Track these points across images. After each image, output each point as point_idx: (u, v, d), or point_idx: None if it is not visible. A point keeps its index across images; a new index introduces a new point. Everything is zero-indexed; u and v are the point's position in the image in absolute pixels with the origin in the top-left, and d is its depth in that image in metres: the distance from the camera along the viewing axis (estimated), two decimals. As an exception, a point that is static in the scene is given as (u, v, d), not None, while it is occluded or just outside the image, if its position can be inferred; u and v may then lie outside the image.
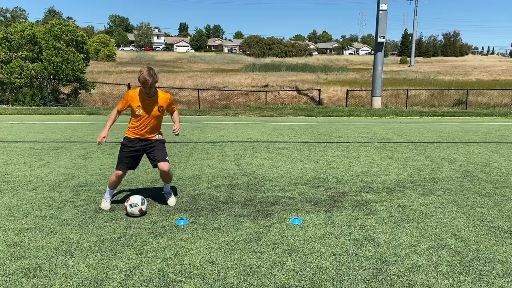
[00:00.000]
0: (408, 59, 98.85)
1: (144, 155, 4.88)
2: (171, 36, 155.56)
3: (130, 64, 71.48)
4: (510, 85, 37.57)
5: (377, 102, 20.62)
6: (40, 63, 19.98)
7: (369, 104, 23.03)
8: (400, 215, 4.70)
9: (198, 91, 23.29)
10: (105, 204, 4.85)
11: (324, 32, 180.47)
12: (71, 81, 21.19)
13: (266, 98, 23.93)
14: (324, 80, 45.07)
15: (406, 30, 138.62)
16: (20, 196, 5.21)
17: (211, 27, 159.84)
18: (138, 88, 4.64)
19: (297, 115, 15.25)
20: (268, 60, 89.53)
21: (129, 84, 21.41)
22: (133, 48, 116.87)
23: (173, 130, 4.88)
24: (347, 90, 23.83)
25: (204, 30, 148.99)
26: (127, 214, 4.59)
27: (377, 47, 20.50)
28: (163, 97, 4.70)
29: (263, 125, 12.18)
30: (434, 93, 29.05)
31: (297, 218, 4.50)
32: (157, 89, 4.72)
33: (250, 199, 5.23)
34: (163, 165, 4.73)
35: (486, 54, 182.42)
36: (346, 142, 9.23)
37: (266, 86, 35.75)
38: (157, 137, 4.86)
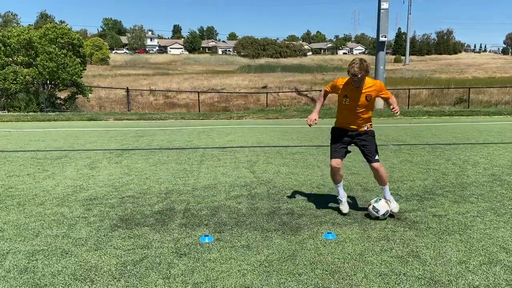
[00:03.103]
0: (403, 57, 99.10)
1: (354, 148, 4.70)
2: (165, 38, 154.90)
3: (124, 67, 71.01)
4: (507, 82, 37.53)
5: (380, 102, 20.33)
6: (35, 68, 19.53)
7: (371, 104, 22.79)
8: (439, 226, 4.38)
9: (198, 94, 22.93)
10: (344, 207, 4.68)
11: (317, 32, 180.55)
12: (68, 86, 20.75)
13: (266, 100, 23.60)
14: (321, 80, 44.86)
15: (399, 29, 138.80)
16: (28, 212, 4.85)
17: (205, 29, 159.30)
18: (347, 78, 4.33)
19: (303, 117, 14.94)
20: (263, 61, 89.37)
21: (127, 88, 21.00)
22: (127, 51, 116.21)
23: (393, 110, 4.45)
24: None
25: (197, 31, 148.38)
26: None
27: (378, 47, 20.24)
28: (371, 85, 4.34)
29: (271, 129, 11.86)
30: (434, 91, 28.87)
31: (330, 233, 4.17)
32: (366, 77, 4.32)
33: (274, 210, 4.90)
34: (374, 166, 4.56)
35: (479, 52, 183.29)
36: (360, 145, 8.91)
37: (264, 87, 35.46)
38: (365, 127, 4.53)
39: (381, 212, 4.52)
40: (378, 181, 4.73)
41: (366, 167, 6.94)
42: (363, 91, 4.34)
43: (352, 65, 4.13)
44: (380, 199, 4.63)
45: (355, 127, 4.54)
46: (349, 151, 4.74)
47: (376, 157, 4.57)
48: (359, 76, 4.14)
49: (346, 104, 4.43)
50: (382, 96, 4.48)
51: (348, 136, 4.58)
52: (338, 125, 4.64)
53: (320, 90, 20.09)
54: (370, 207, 4.59)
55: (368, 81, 4.35)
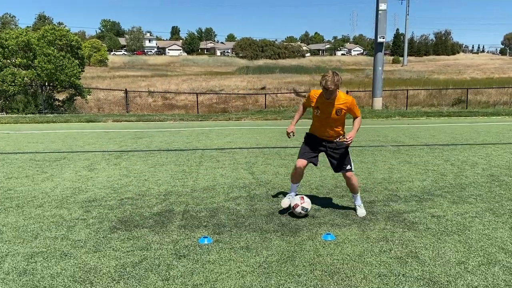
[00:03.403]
0: (401, 58, 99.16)
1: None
2: (163, 39, 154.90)
3: (123, 69, 70.93)
4: (505, 83, 37.59)
5: (378, 103, 20.38)
6: (33, 70, 19.50)
7: (369, 104, 22.81)
8: (438, 226, 4.39)
9: (197, 95, 22.91)
10: (285, 201, 4.74)
11: (316, 33, 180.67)
12: (66, 88, 20.72)
13: (265, 101, 23.61)
14: (319, 81, 44.84)
15: (397, 29, 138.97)
16: (26, 214, 4.84)
17: (203, 30, 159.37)
18: (321, 90, 4.44)
19: (301, 118, 14.93)
20: (261, 62, 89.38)
21: (126, 89, 21.00)
22: (125, 53, 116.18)
23: (346, 138, 4.51)
24: (347, 91, 23.57)
25: (196, 33, 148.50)
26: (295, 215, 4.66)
27: (377, 48, 20.26)
28: (343, 101, 4.43)
29: (269, 130, 11.87)
30: (432, 92, 28.91)
31: (329, 234, 4.17)
32: (340, 92, 4.45)
33: (273, 212, 4.90)
34: (346, 175, 4.68)
35: (477, 52, 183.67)
36: (359, 146, 8.93)
37: (263, 88, 35.47)
38: (336, 140, 4.61)
39: (304, 204, 4.64)
40: (350, 189, 4.84)
41: (364, 168, 6.97)
42: (334, 104, 4.43)
43: (324, 78, 4.24)
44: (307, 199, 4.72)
45: (326, 138, 4.64)
46: (316, 164, 4.82)
47: (348, 167, 4.67)
48: (330, 89, 4.24)
49: (318, 116, 4.55)
50: (352, 113, 4.59)
51: (321, 144, 4.68)
52: (312, 132, 4.75)
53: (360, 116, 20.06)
54: (299, 208, 4.63)
55: (341, 96, 4.46)
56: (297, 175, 4.75)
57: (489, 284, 3.23)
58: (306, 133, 4.81)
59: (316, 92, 4.57)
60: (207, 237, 4.11)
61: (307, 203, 4.66)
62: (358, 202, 4.85)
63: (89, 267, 3.55)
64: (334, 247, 3.91)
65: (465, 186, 5.87)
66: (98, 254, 3.80)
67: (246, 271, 3.48)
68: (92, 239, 4.13)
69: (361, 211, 4.78)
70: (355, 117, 4.64)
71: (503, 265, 3.53)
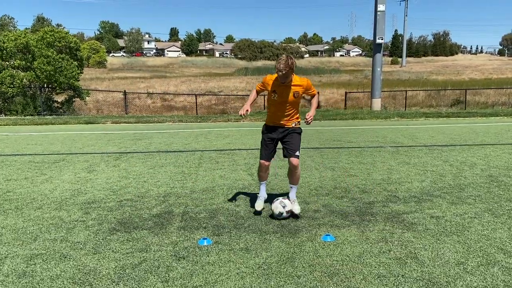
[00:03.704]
0: (399, 59, 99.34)
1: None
2: (162, 41, 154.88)
3: (122, 70, 70.96)
4: (503, 83, 37.67)
5: (377, 104, 20.41)
6: (32, 72, 19.49)
7: (367, 105, 22.84)
8: (437, 227, 4.39)
9: (196, 96, 22.92)
10: (258, 204, 4.83)
11: (314, 34, 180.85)
12: (65, 89, 20.72)
13: (264, 102, 23.60)
14: (318, 82, 44.93)
15: (396, 30, 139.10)
16: (26, 216, 4.84)
17: (202, 32, 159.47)
18: (276, 75, 4.47)
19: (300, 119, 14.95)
20: (260, 63, 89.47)
21: (125, 91, 21.00)
22: (124, 54, 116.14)
23: (306, 119, 4.56)
24: (346, 92, 23.59)
25: (195, 34, 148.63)
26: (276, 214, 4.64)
27: (375, 49, 20.30)
28: (299, 83, 4.51)
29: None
30: (431, 93, 28.95)
31: (328, 235, 4.18)
32: (294, 75, 4.52)
33: (272, 213, 4.89)
34: (292, 160, 4.69)
35: (475, 53, 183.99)
36: (358, 147, 8.94)
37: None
38: (293, 124, 4.67)
39: (282, 210, 4.63)
40: (290, 178, 4.87)
41: (363, 169, 6.98)
42: (291, 87, 4.50)
43: (279, 61, 4.31)
44: (277, 199, 4.72)
45: (283, 123, 4.68)
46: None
47: (297, 153, 4.71)
48: (284, 72, 4.29)
49: (275, 100, 4.58)
50: (309, 93, 4.69)
51: (277, 134, 4.73)
52: (268, 123, 4.80)
53: (318, 93, 20.04)
54: (278, 202, 4.68)
55: (296, 78, 4.55)
56: (264, 174, 4.91)
57: (488, 285, 3.23)
58: (264, 125, 4.84)
59: (271, 76, 4.60)
60: (206, 239, 4.11)
61: (282, 206, 4.65)
62: (293, 196, 4.85)
63: (88, 269, 3.55)
64: (333, 248, 3.91)
65: (464, 187, 5.88)
66: (98, 256, 3.80)
67: (245, 272, 3.48)
68: (92, 241, 4.13)
69: (297, 207, 4.75)
70: (312, 96, 4.74)
71: (502, 265, 3.54)
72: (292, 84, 4.50)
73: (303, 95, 4.65)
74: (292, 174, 4.83)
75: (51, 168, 7.25)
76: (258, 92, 4.84)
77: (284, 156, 4.80)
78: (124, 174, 6.80)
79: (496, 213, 4.81)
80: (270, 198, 5.02)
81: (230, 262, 3.67)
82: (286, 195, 5.57)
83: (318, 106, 23.30)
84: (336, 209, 5.02)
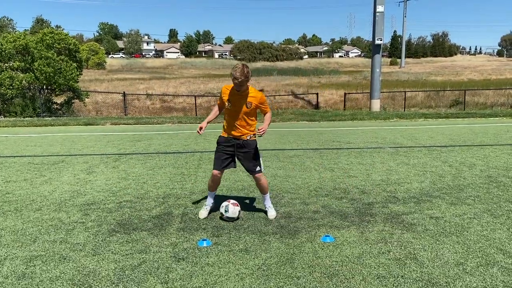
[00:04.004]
0: (398, 60, 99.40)
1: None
2: (161, 42, 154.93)
3: (121, 72, 70.96)
4: (502, 84, 37.73)
5: (376, 105, 20.44)
6: (31, 73, 19.50)
7: (367, 106, 22.87)
8: (436, 228, 4.40)
9: (195, 97, 22.94)
10: (203, 212, 4.83)
11: (313, 35, 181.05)
12: (64, 91, 20.72)
13: (263, 103, 23.62)
14: (317, 83, 44.98)
15: (395, 31, 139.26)
16: (25, 218, 4.84)
17: (201, 33, 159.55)
18: (232, 84, 4.53)
19: (299, 120, 14.97)
20: (259, 64, 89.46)
21: (124, 92, 21.00)
22: (123, 56, 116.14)
23: (258, 130, 4.61)
24: (345, 93, 23.60)
25: (194, 36, 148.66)
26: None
27: (374, 49, 20.34)
28: (253, 95, 4.56)
29: (267, 132, 11.85)
30: (430, 94, 28.98)
31: (328, 236, 4.18)
32: (250, 86, 4.58)
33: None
34: (255, 176, 4.74)
35: (474, 54, 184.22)
36: (357, 148, 8.95)
37: (261, 91, 35.46)
38: (248, 137, 4.66)
39: (229, 214, 4.63)
40: (260, 189, 4.89)
41: (363, 170, 6.98)
42: (245, 97, 4.53)
43: (235, 69, 4.34)
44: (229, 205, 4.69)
45: (237, 134, 4.65)
46: (235, 167, 4.82)
47: (257, 169, 4.73)
48: (240, 80, 4.31)
49: (229, 109, 4.59)
50: (262, 108, 4.69)
51: (231, 146, 4.69)
52: (223, 134, 4.75)
53: (317, 94, 20.15)
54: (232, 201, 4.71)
55: (252, 90, 4.60)
56: (214, 184, 4.83)
57: (488, 285, 3.23)
58: (219, 136, 4.80)
59: (228, 86, 4.64)
60: (206, 240, 4.11)
61: (230, 210, 4.65)
62: (268, 203, 4.88)
63: (88, 270, 3.55)
64: (333, 249, 3.92)
65: (463, 188, 5.88)
66: (97, 257, 3.79)
67: (245, 273, 3.48)
68: (91, 242, 4.13)
69: (272, 213, 4.81)
70: (265, 113, 4.76)
71: (501, 266, 3.54)
72: (246, 94, 4.54)
73: (256, 108, 4.63)
74: (258, 186, 4.86)
75: (51, 169, 7.25)
76: (219, 107, 4.83)
77: (247, 171, 4.82)
78: (124, 175, 6.79)
79: (495, 214, 4.81)
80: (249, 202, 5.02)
81: (229, 263, 3.67)
82: (289, 195, 5.58)
83: (319, 107, 23.31)
84: (335, 210, 5.03)
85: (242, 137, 4.67)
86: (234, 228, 4.46)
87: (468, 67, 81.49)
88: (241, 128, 4.65)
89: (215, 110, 4.87)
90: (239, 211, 4.70)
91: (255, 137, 4.74)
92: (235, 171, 6.97)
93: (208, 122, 4.77)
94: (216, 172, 4.71)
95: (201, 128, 4.71)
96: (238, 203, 4.77)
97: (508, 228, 4.38)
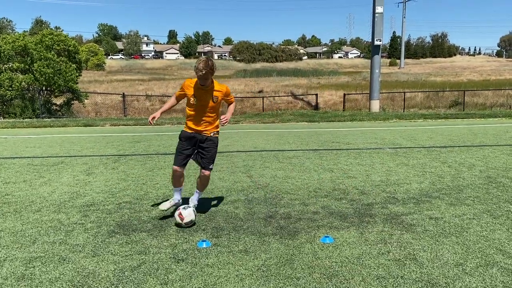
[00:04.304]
0: (398, 61, 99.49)
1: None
2: (160, 43, 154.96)
3: (120, 73, 70.99)
4: (502, 85, 37.76)
5: (376, 105, 20.45)
6: (31, 74, 19.49)
7: (366, 107, 22.89)
8: (435, 228, 4.40)
9: (194, 98, 22.91)
10: (164, 204, 4.76)
11: (313, 36, 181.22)
12: (64, 92, 20.72)
13: (262, 104, 23.64)
14: (317, 84, 45.01)
15: (394, 32, 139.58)
16: (24, 219, 4.83)
17: (200, 34, 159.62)
18: (196, 79, 4.50)
19: (299, 121, 14.97)
20: (258, 65, 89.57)
21: (123, 93, 21.00)
22: (122, 57, 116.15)
23: (221, 119, 4.69)
24: (344, 94, 23.61)
25: (193, 37, 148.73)
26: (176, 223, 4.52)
27: (373, 50, 20.36)
28: (218, 88, 4.57)
29: (267, 133, 11.88)
30: (429, 94, 29.00)
31: (327, 236, 4.18)
32: (214, 80, 4.56)
33: (271, 215, 4.90)
34: (204, 172, 4.75)
35: (473, 55, 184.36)
36: (357, 149, 8.95)
37: (260, 91, 35.53)
38: (211, 133, 4.67)
39: (185, 220, 4.48)
40: (198, 185, 4.91)
41: (362, 170, 6.98)
42: (210, 92, 4.53)
43: (199, 62, 4.31)
44: (188, 207, 4.57)
45: (201, 129, 4.65)
46: (194, 159, 4.81)
47: (211, 166, 4.75)
48: (204, 72, 4.27)
49: (194, 104, 4.55)
50: (227, 100, 4.76)
51: (193, 142, 4.68)
52: (186, 129, 4.73)
53: (316, 95, 20.14)
54: (177, 213, 4.53)
55: (216, 84, 4.61)
56: (176, 179, 4.74)
57: (487, 286, 3.24)
58: (182, 130, 4.77)
59: (191, 80, 4.59)
60: (205, 241, 4.11)
61: (185, 219, 4.47)
62: (195, 201, 4.91)
63: (87, 271, 3.54)
64: (332, 250, 3.92)
65: (462, 188, 5.88)
66: (97, 258, 3.79)
67: (244, 274, 3.48)
68: (91, 243, 4.13)
69: (188, 212, 4.69)
70: (229, 104, 4.86)
71: (501, 266, 3.55)
72: (211, 89, 4.52)
73: (221, 101, 4.67)
74: (202, 182, 4.85)
75: (50, 170, 7.25)
76: (177, 98, 4.78)
77: (199, 164, 4.80)
78: (123, 176, 6.79)
79: (494, 214, 4.82)
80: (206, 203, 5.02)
81: (229, 264, 3.67)
82: (289, 196, 5.58)
83: (319, 108, 23.32)
84: (335, 210, 5.03)
85: (205, 132, 4.67)
86: (233, 229, 4.46)
87: (467, 67, 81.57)
88: (205, 124, 4.64)
89: (172, 101, 4.83)
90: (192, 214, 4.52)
91: (218, 134, 4.78)
92: (235, 172, 6.97)
93: (162, 113, 4.76)
94: (176, 167, 4.66)
95: (153, 118, 4.67)
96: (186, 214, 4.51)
97: (508, 228, 4.38)
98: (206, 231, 4.43)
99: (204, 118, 4.62)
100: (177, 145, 4.74)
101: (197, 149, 4.73)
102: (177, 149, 4.73)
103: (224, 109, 4.97)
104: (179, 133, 4.79)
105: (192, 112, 4.63)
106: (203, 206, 5.23)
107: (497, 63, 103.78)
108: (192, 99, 4.55)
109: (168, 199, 5.05)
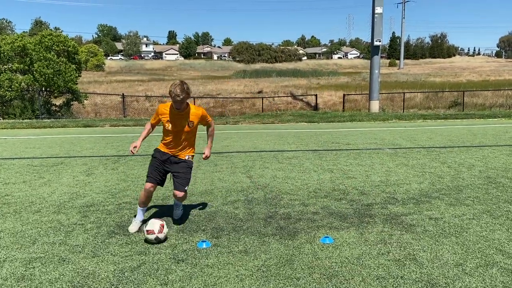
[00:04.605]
0: (397, 61, 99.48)
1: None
2: (160, 44, 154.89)
3: (120, 73, 70.95)
4: (501, 85, 37.78)
5: (375, 106, 20.45)
6: (30, 75, 19.48)
7: (365, 108, 22.90)
8: (435, 229, 4.40)
9: (194, 99, 22.94)
10: (132, 227, 4.47)
11: (312, 37, 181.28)
12: (63, 93, 20.71)
13: (262, 105, 23.64)
14: (316, 84, 45.00)
15: (393, 33, 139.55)
16: (24, 220, 4.83)
17: (200, 35, 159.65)
18: (170, 103, 4.35)
19: (298, 121, 14.97)
20: (258, 66, 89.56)
21: (123, 94, 20.99)
22: (122, 57, 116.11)
23: (204, 157, 4.69)
24: (344, 95, 23.63)
25: (193, 37, 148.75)
26: (145, 240, 4.20)
27: (373, 51, 20.37)
28: (194, 112, 4.40)
29: (266, 133, 11.88)
30: (429, 95, 29.02)
31: (327, 237, 4.18)
32: (189, 104, 4.42)
33: (271, 215, 4.90)
34: (178, 193, 4.49)
35: (473, 55, 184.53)
36: (356, 149, 8.96)
37: (260, 92, 35.52)
38: (186, 157, 4.54)
39: (155, 229, 4.10)
40: (176, 200, 4.70)
41: (362, 171, 6.98)
42: (186, 116, 4.35)
43: (175, 87, 4.12)
44: (146, 222, 4.24)
45: (175, 153, 4.51)
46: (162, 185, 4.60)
47: (185, 188, 4.52)
48: (182, 97, 4.12)
49: (169, 130, 4.39)
50: (205, 123, 4.59)
51: (167, 162, 4.50)
52: (161, 148, 4.57)
53: (316, 95, 20.16)
54: (152, 236, 4.11)
55: (192, 107, 4.42)
56: (145, 198, 4.50)
57: (487, 286, 3.24)
58: (155, 149, 4.63)
59: (165, 106, 4.41)
60: (205, 241, 4.11)
61: (163, 234, 4.12)
62: (179, 212, 4.83)
63: (87, 272, 3.54)
64: (332, 250, 3.92)
65: (462, 188, 5.89)
66: (96, 259, 3.79)
67: (244, 275, 3.48)
68: (90, 244, 4.13)
69: (178, 212, 4.78)
70: (208, 126, 4.69)
71: (500, 266, 3.55)
72: (187, 112, 4.35)
73: (198, 125, 4.49)
74: (177, 200, 4.67)
75: (50, 171, 7.24)
76: (153, 126, 4.61)
77: (174, 188, 4.51)
78: (123, 177, 6.79)
79: (494, 214, 4.82)
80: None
81: (229, 264, 3.67)
82: (289, 196, 5.58)
83: (318, 109, 23.31)
84: (334, 211, 5.03)
85: (180, 156, 4.52)
86: (233, 230, 4.46)
87: (467, 68, 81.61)
88: (181, 148, 4.49)
89: (148, 128, 4.63)
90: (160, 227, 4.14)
91: (193, 158, 4.62)
92: (235, 172, 6.97)
93: (142, 141, 4.55)
94: (149, 185, 4.42)
95: (135, 147, 4.46)
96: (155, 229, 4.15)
97: (507, 228, 4.39)
98: (206, 231, 4.43)
99: (179, 144, 4.47)
100: (150, 162, 4.55)
101: (171, 171, 4.54)
102: (151, 166, 4.51)
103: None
104: (152, 152, 4.63)
105: (168, 138, 4.47)
106: (203, 207, 5.24)
107: (496, 63, 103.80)
108: (167, 125, 4.37)
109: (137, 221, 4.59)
